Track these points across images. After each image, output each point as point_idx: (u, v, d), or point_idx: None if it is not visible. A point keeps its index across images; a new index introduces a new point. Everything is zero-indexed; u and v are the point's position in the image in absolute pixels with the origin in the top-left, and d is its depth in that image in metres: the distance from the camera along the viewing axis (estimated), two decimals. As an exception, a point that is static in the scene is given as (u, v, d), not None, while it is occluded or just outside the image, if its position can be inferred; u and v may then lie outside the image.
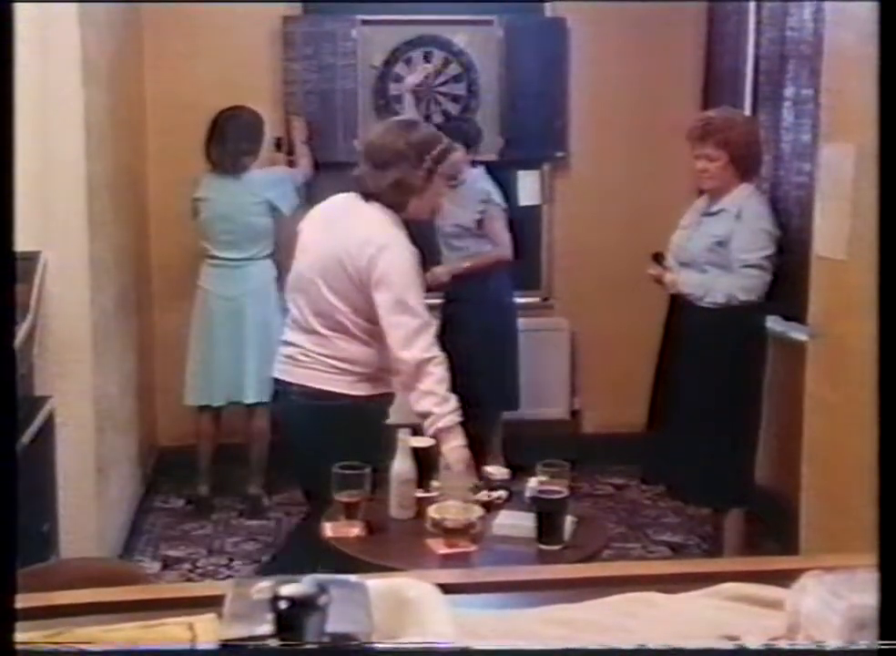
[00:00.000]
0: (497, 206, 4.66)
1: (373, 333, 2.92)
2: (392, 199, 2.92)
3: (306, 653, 1.10)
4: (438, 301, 4.47)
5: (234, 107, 4.60)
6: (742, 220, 3.69)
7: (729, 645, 1.29)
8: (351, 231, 2.93)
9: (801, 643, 1.28)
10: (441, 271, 4.57)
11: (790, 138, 4.24)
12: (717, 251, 3.72)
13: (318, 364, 2.96)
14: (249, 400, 4.59)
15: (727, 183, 3.74)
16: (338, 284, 2.92)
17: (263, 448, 4.69)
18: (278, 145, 4.84)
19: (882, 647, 1.14)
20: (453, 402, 2.84)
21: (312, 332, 2.97)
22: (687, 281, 3.79)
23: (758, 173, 3.96)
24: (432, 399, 2.83)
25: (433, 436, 2.82)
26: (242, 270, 4.61)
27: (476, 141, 4.75)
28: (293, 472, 3.31)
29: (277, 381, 3.08)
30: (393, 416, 3.08)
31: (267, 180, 4.63)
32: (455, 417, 2.84)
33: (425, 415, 2.84)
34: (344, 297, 2.92)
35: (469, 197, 4.59)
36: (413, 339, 2.84)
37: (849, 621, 1.26)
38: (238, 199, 4.59)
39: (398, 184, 2.90)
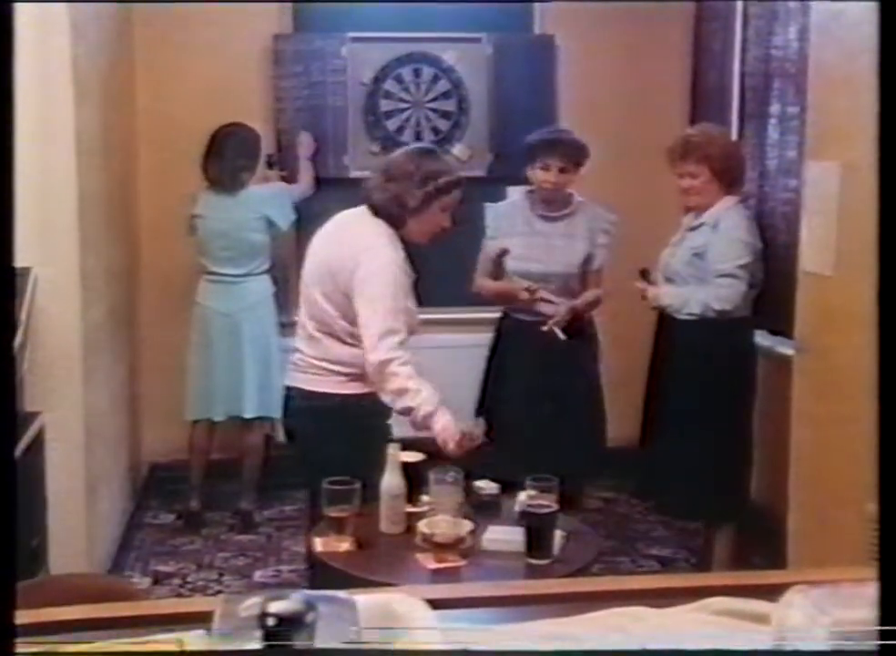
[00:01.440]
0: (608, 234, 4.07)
1: (359, 336, 3.00)
2: (390, 211, 3.02)
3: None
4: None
5: (231, 123, 4.63)
6: (718, 231, 3.70)
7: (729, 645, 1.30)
8: (345, 239, 3.06)
9: (801, 643, 1.29)
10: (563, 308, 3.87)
11: (776, 155, 4.28)
12: (696, 263, 3.74)
13: (312, 367, 3.06)
14: (248, 415, 4.62)
15: (711, 198, 3.76)
16: (328, 289, 3.03)
17: (256, 463, 4.70)
18: (269, 163, 4.86)
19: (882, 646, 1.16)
20: (427, 388, 2.88)
21: (309, 337, 3.08)
22: (666, 295, 3.82)
23: (740, 186, 3.98)
24: (406, 396, 2.88)
25: (422, 427, 2.88)
26: (240, 286, 4.64)
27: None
28: (305, 481, 3.23)
29: (286, 387, 3.19)
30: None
31: (265, 196, 4.67)
32: (433, 399, 2.87)
33: (405, 412, 2.90)
34: (334, 302, 3.02)
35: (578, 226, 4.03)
36: (378, 342, 2.89)
37: (833, 636, 1.27)
38: (236, 215, 4.61)
39: (395, 198, 3.01)
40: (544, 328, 3.80)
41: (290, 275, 5.16)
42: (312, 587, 2.83)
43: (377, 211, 3.04)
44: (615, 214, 4.13)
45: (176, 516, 4.79)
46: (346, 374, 3.03)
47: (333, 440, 2.96)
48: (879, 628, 1.20)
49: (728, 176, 3.75)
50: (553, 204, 4.01)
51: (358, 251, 2.98)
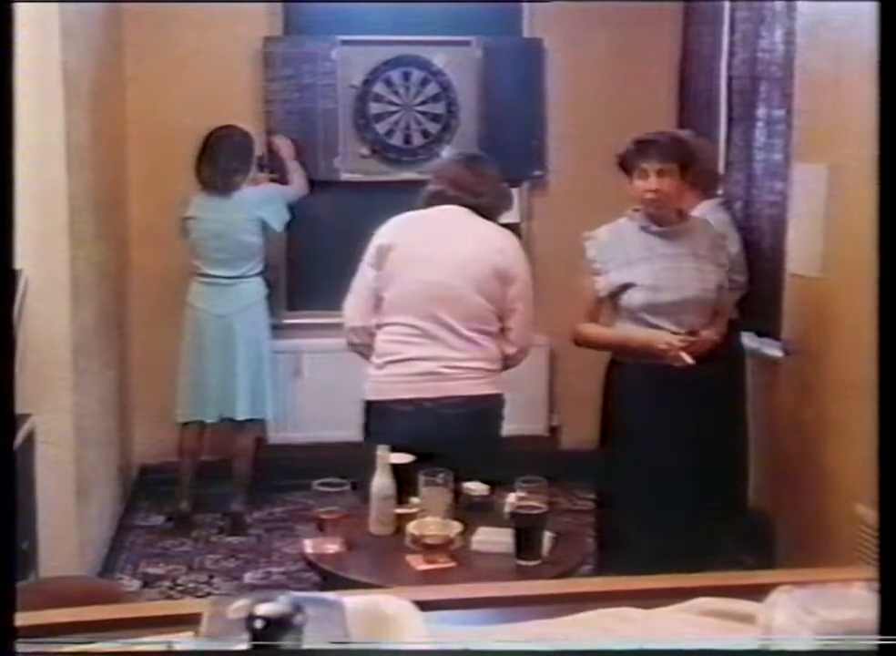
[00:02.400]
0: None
1: (495, 332, 3.13)
2: (491, 210, 3.23)
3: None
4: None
5: (225, 126, 4.62)
6: None
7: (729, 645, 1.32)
8: (483, 235, 3.13)
9: (787, 643, 1.30)
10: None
11: (763, 158, 4.30)
12: None
13: (471, 372, 3.04)
14: (240, 417, 4.62)
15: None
16: (486, 285, 3.05)
17: (247, 465, 4.71)
18: (260, 165, 4.86)
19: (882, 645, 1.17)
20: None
21: (461, 337, 3.03)
22: None
23: (714, 189, 3.97)
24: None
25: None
26: (233, 287, 4.63)
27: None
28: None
29: (412, 400, 3.01)
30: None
31: (258, 198, 4.67)
32: None
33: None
34: (490, 299, 3.08)
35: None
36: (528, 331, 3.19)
37: (819, 636, 1.29)
38: (229, 217, 4.60)
39: (496, 198, 3.29)
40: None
41: (280, 277, 5.18)
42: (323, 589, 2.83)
43: (478, 211, 3.15)
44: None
45: (166, 518, 4.79)
46: (497, 371, 3.11)
47: (498, 441, 3.09)
48: (879, 627, 1.21)
49: (698, 178, 3.57)
50: (665, 219, 3.35)
51: (503, 246, 3.12)
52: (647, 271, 3.28)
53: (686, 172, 3.31)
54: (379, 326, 3.12)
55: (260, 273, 4.71)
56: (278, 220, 4.70)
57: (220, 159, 4.58)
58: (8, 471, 1.08)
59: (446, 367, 3.01)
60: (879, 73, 1.27)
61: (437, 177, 3.29)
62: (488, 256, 3.09)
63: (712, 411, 3.26)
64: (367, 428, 3.14)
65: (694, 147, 3.53)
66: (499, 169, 3.35)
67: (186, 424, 4.70)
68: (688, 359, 3.14)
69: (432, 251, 3.08)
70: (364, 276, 3.15)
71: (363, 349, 3.18)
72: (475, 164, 3.28)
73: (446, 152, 5.16)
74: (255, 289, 4.69)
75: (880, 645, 1.18)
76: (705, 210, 3.76)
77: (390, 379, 3.06)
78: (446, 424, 3.00)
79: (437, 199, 3.18)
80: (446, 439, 2.91)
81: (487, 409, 3.09)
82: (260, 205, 4.65)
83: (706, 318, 3.31)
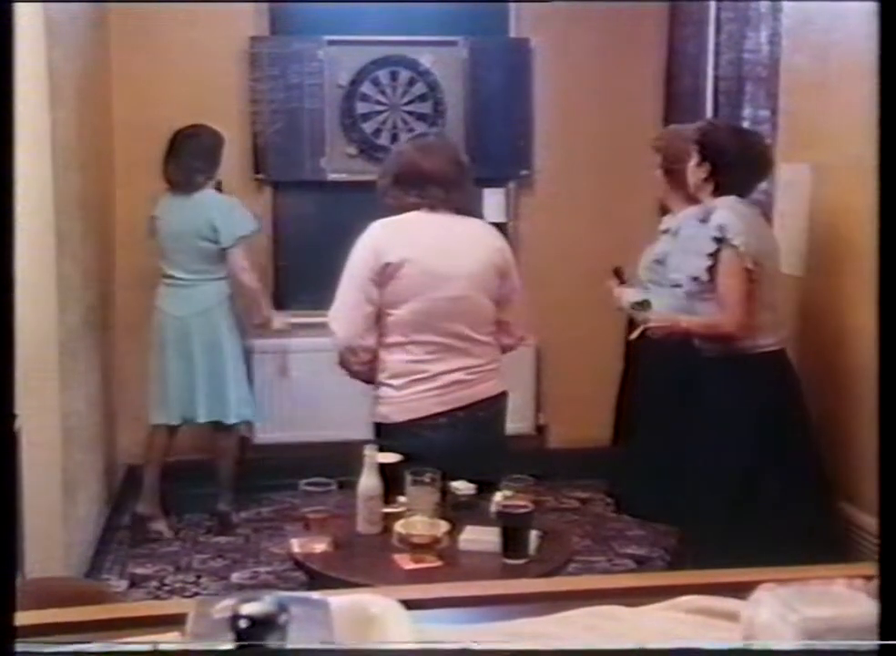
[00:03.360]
0: (733, 249, 3.20)
1: (496, 328, 3.14)
2: (471, 207, 3.21)
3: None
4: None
5: (193, 125, 4.55)
6: (678, 239, 3.57)
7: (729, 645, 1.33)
8: (479, 238, 3.10)
9: (770, 641, 1.31)
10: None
11: (749, 158, 4.32)
12: (656, 269, 3.73)
13: (489, 373, 3.06)
14: (201, 419, 4.56)
15: (674, 203, 3.77)
16: (490, 286, 3.05)
17: (229, 466, 4.69)
18: (218, 188, 4.64)
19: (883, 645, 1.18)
20: None
21: (478, 344, 3.03)
22: (627, 299, 3.83)
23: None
24: None
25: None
26: (192, 289, 4.51)
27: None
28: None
29: (445, 413, 2.98)
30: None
31: (216, 203, 4.51)
32: None
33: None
34: (493, 299, 3.07)
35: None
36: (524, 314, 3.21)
37: (801, 633, 1.30)
38: (188, 217, 4.48)
39: (471, 195, 3.26)
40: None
41: (266, 277, 5.18)
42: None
43: (461, 210, 3.09)
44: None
45: (131, 518, 4.73)
46: (500, 366, 3.13)
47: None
48: (879, 627, 1.23)
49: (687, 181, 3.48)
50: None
51: (497, 243, 3.11)
52: None
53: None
54: (385, 345, 3.00)
55: (224, 278, 4.54)
56: (228, 233, 4.45)
57: (183, 158, 4.47)
58: (8, 471, 1.09)
59: (470, 374, 3.00)
60: (879, 73, 1.27)
61: (405, 171, 3.07)
62: (490, 258, 3.06)
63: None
64: (394, 449, 2.88)
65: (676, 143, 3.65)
66: (452, 147, 3.31)
67: (156, 426, 4.63)
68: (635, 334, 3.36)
69: (448, 267, 2.97)
70: (363, 291, 2.96)
71: (361, 369, 3.04)
72: (437, 150, 3.16)
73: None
74: (214, 291, 4.53)
75: (880, 645, 1.19)
76: (695, 212, 3.77)
77: (418, 397, 2.98)
78: (479, 428, 3.02)
79: (423, 201, 3.03)
80: (485, 442, 3.00)
81: (505, 405, 3.15)
82: (217, 211, 4.47)
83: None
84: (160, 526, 4.60)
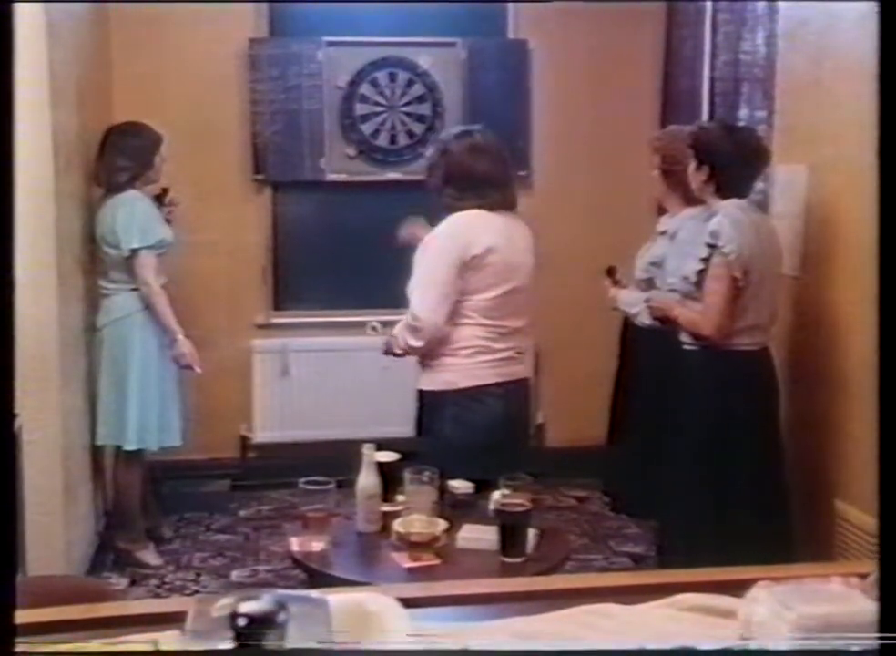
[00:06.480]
0: (723, 256, 3.19)
1: None
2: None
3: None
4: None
5: (127, 122, 4.28)
6: (675, 242, 3.59)
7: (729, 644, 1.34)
8: (527, 235, 3.30)
9: (767, 638, 1.33)
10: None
11: (745, 159, 4.33)
12: (652, 271, 3.75)
13: (527, 357, 3.39)
14: (98, 441, 4.20)
15: (672, 205, 3.79)
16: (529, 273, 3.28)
17: (133, 502, 4.29)
18: (159, 198, 4.36)
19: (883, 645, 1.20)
20: None
21: (523, 330, 3.28)
22: (622, 300, 3.85)
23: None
24: None
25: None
26: (107, 299, 4.17)
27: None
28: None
29: (500, 384, 3.20)
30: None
31: (125, 206, 4.11)
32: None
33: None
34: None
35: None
36: None
37: (797, 630, 1.31)
38: (100, 221, 4.15)
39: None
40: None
41: (266, 276, 5.19)
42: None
43: (511, 207, 3.26)
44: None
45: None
46: None
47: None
48: (879, 627, 1.24)
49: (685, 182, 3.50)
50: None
51: (531, 237, 3.31)
52: None
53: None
54: (455, 324, 3.16)
55: (137, 290, 4.13)
56: (126, 241, 4.06)
57: (106, 155, 4.19)
58: (8, 471, 1.10)
59: (518, 353, 3.26)
60: (879, 73, 1.29)
61: (456, 173, 3.18)
62: (532, 254, 3.30)
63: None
64: (453, 417, 3.15)
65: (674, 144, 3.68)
66: (497, 144, 3.32)
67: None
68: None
69: (517, 260, 3.22)
70: (450, 284, 3.10)
71: (425, 346, 3.15)
72: (485, 151, 3.24)
73: (430, 153, 5.18)
74: (125, 303, 4.13)
75: (880, 645, 1.20)
76: (692, 214, 3.78)
77: (481, 365, 3.19)
78: (521, 402, 3.32)
79: (483, 202, 3.15)
80: (525, 416, 3.40)
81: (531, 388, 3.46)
82: (122, 215, 4.09)
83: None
84: (148, 556, 4.29)
